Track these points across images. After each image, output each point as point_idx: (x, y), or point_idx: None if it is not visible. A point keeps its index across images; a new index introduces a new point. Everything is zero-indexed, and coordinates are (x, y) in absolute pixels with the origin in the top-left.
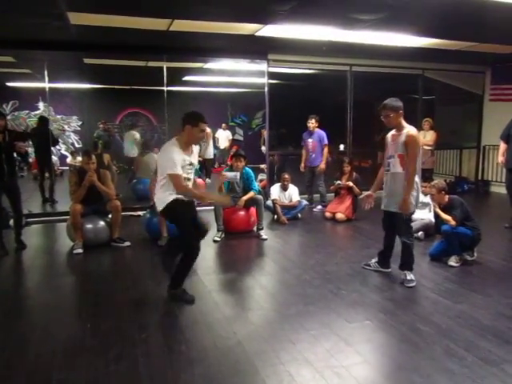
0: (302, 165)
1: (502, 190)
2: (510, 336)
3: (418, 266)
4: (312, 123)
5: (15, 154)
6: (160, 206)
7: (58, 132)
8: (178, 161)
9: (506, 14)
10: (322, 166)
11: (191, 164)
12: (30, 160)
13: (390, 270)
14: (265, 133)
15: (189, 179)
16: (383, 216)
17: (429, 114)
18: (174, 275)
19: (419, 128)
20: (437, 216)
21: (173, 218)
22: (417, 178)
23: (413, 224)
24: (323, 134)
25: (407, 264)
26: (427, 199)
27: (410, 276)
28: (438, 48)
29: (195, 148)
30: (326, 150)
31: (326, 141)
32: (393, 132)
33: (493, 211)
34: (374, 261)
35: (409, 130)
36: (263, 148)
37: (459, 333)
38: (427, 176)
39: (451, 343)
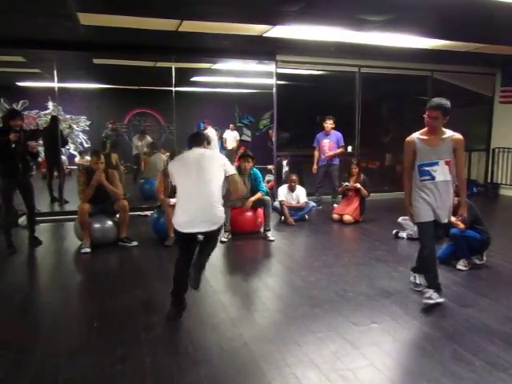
0: (315, 166)
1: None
2: None
3: None
4: (330, 123)
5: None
6: (219, 222)
7: (67, 131)
8: None
9: None
10: (331, 154)
11: None
12: (39, 159)
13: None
14: (272, 133)
15: None
16: (430, 229)
17: None
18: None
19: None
20: None
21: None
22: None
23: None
24: (340, 135)
25: (421, 270)
26: None
27: (419, 280)
28: (448, 49)
29: None
30: (341, 150)
31: (342, 142)
32: (422, 136)
33: (503, 214)
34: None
35: (454, 134)
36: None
37: (467, 337)
38: None
39: (459, 347)
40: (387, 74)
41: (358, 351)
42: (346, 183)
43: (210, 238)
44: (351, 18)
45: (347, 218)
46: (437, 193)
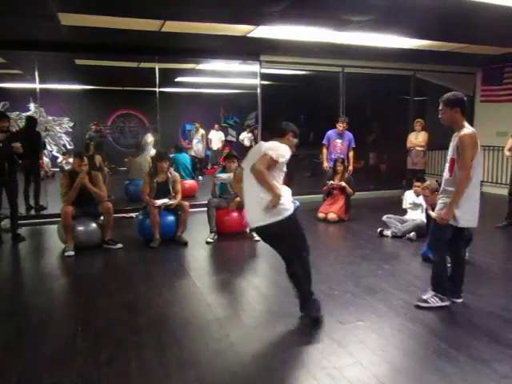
0: (326, 164)
1: (493, 191)
2: (500, 335)
3: (409, 267)
4: (344, 126)
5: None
6: (269, 219)
7: (43, 134)
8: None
9: (496, 15)
10: (351, 168)
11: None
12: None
13: (461, 299)
14: (257, 133)
15: None
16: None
17: (420, 115)
18: (302, 294)
19: (411, 129)
20: (429, 216)
21: (288, 235)
22: (476, 190)
23: (405, 225)
24: (352, 136)
25: (432, 283)
26: (419, 200)
27: (427, 295)
28: (430, 49)
29: None
30: (352, 153)
31: (353, 144)
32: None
33: (484, 211)
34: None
35: (465, 130)
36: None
37: (451, 333)
38: (419, 176)
39: (443, 343)
40: (370, 73)
41: (344, 349)
42: (331, 181)
43: (269, 238)
44: (334, 19)
45: (332, 216)
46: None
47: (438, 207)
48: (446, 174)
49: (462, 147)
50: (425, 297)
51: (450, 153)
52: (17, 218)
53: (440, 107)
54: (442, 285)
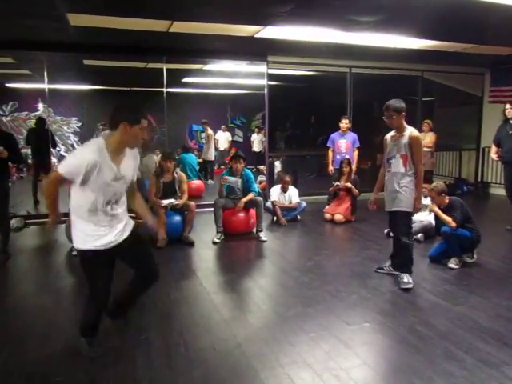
0: (331, 167)
1: (502, 192)
2: (509, 338)
3: (417, 268)
4: (346, 123)
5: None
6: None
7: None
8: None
9: (504, 15)
10: (354, 167)
11: (121, 178)
12: (29, 161)
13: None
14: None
15: (116, 201)
16: (389, 217)
17: (428, 116)
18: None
19: (419, 130)
20: (437, 217)
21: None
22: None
23: (412, 226)
24: (356, 136)
25: (405, 266)
26: (427, 201)
27: (406, 278)
28: (437, 50)
29: (130, 156)
30: (356, 152)
31: (358, 143)
32: (392, 133)
33: (492, 213)
34: (387, 264)
35: (411, 131)
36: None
37: (458, 335)
38: (427, 178)
39: (451, 345)
40: (378, 74)
41: (351, 350)
42: (337, 183)
43: None
44: (342, 19)
45: (338, 217)
46: (388, 182)
47: (402, 197)
48: (401, 169)
49: (417, 145)
50: (405, 280)
51: (399, 151)
52: (7, 230)
53: (387, 113)
54: (411, 265)
